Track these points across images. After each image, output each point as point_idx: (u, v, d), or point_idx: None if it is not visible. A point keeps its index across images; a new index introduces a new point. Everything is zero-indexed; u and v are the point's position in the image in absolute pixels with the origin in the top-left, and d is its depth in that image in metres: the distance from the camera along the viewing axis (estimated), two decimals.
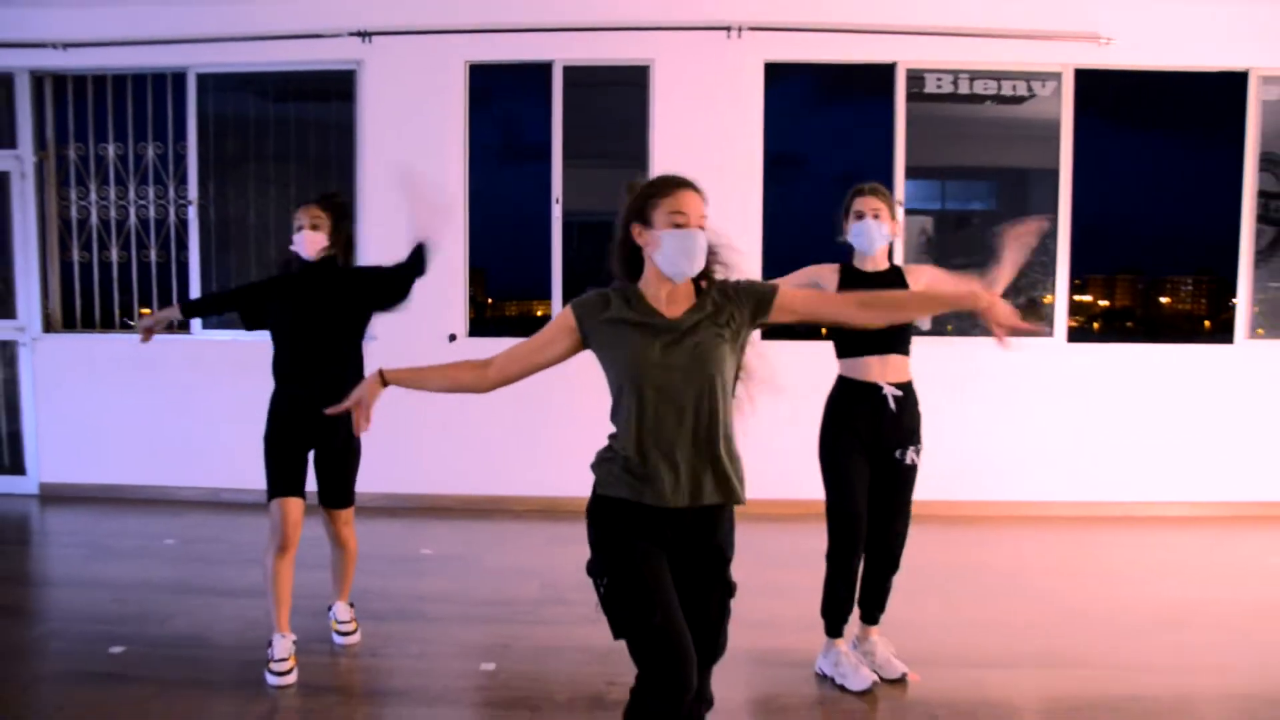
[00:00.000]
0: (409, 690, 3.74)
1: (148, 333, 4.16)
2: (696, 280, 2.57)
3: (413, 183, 4.34)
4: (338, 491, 4.07)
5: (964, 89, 6.53)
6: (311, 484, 4.00)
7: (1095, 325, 7.60)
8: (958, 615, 4.58)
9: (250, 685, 3.72)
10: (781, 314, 2.56)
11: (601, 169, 6.71)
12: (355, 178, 6.56)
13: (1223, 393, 6.52)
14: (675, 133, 6.44)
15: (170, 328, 4.91)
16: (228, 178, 6.79)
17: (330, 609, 4.26)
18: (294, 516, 3.84)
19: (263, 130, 6.77)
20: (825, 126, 7.47)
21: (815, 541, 3.94)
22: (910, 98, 6.53)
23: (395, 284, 4.04)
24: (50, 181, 6.83)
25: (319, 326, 3.92)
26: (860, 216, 3.68)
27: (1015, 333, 2.49)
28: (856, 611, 3.87)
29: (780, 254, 6.35)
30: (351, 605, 4.27)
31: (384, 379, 2.77)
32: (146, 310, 6.79)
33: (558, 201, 6.52)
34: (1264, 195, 6.67)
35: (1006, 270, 3.79)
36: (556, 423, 6.39)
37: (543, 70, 6.54)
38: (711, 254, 2.57)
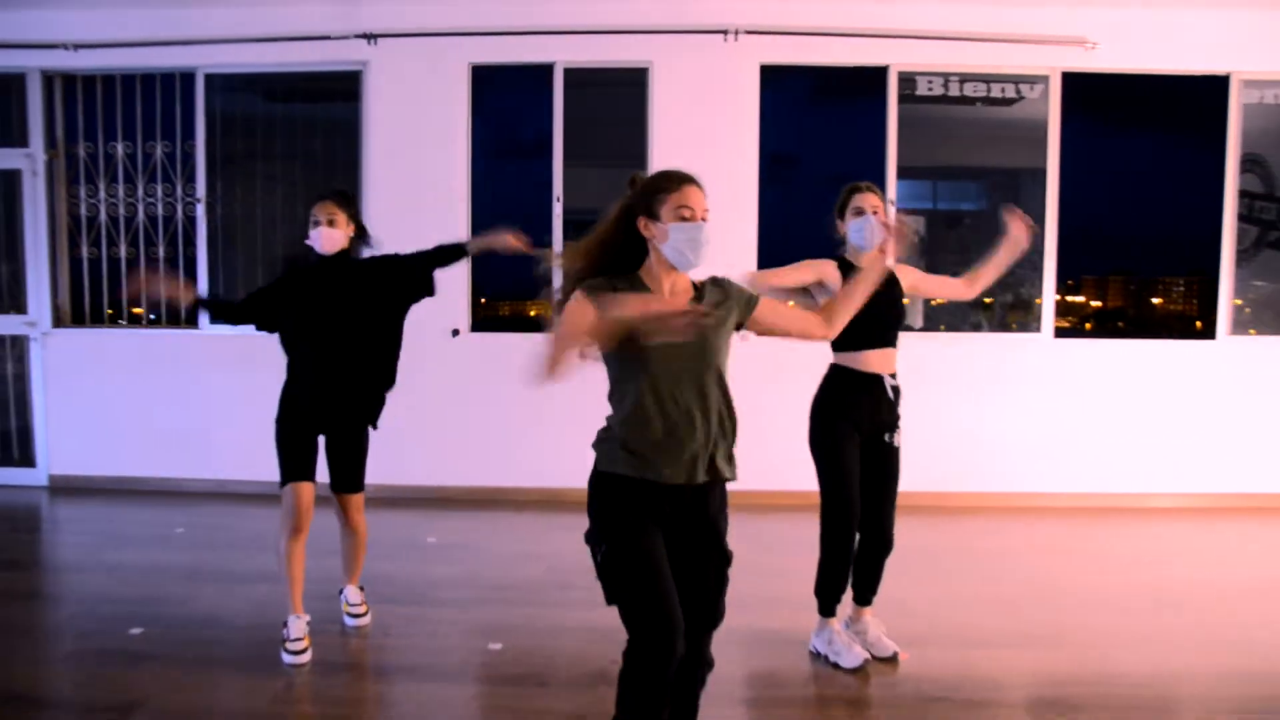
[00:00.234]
0: (420, 667, 3.89)
1: (141, 284, 4.25)
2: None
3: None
4: (349, 477, 4.22)
5: (954, 91, 6.70)
6: (322, 472, 4.16)
7: (1088, 326, 7.76)
8: (946, 598, 4.75)
9: (267, 663, 3.87)
10: (755, 324, 2.77)
11: (600, 168, 6.87)
12: (360, 176, 6.71)
13: (1205, 388, 6.71)
14: (673, 133, 6.61)
15: (171, 311, 4.81)
16: (235, 176, 6.94)
17: (341, 592, 4.41)
18: (306, 500, 3.99)
19: (269, 129, 6.92)
20: (819, 127, 7.64)
21: (804, 529, 4.12)
22: (902, 99, 6.71)
23: (414, 273, 4.15)
24: (60, 179, 6.97)
25: (336, 318, 4.04)
26: (860, 213, 3.84)
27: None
28: (849, 593, 4.03)
29: (775, 251, 6.52)
30: (362, 588, 4.42)
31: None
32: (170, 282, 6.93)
33: (559, 200, 6.68)
34: (1248, 195, 6.85)
35: (996, 267, 3.95)
36: (556, 415, 6.53)
37: (544, 71, 6.70)
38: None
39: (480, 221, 6.78)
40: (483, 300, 7.07)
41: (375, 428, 4.21)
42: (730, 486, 2.76)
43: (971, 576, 5.15)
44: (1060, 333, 6.86)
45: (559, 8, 6.53)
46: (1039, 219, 6.74)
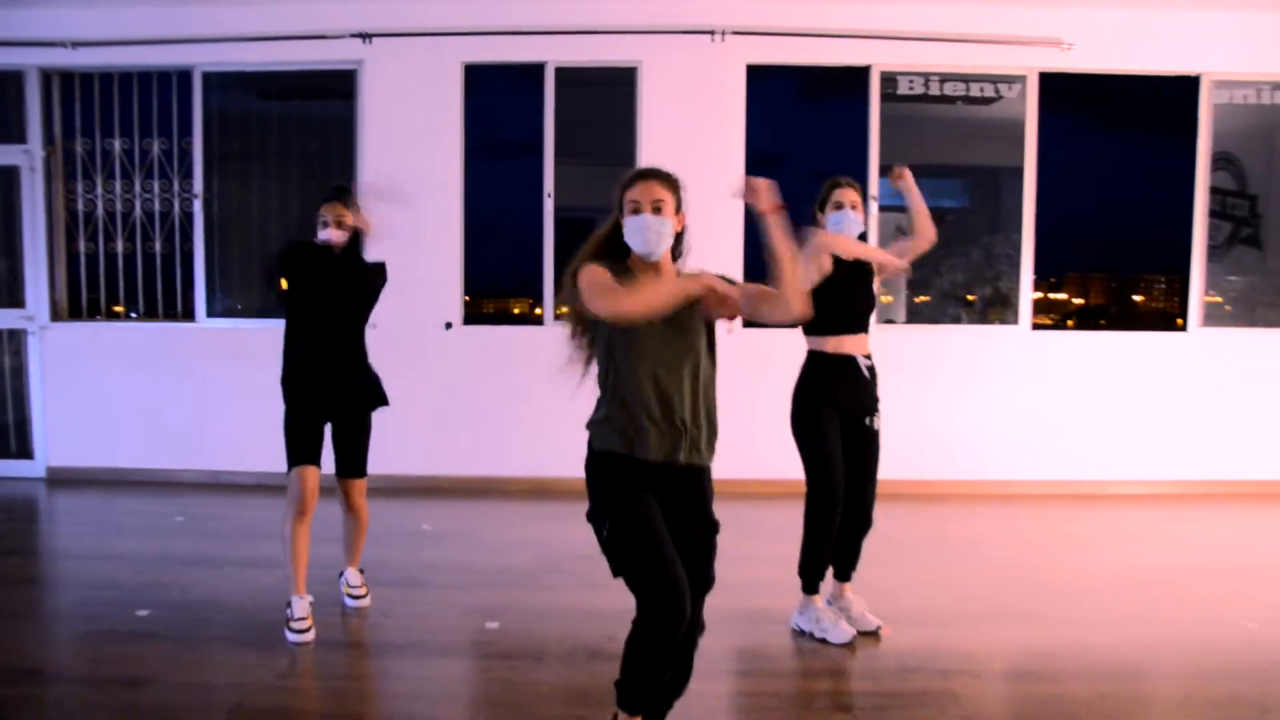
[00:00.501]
0: (420, 645, 4.04)
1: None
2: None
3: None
4: (353, 462, 4.36)
5: (934, 90, 6.88)
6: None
7: (1070, 323, 7.94)
8: (924, 580, 4.93)
9: (271, 642, 4.01)
10: (723, 310, 2.86)
11: (591, 167, 7.03)
12: (356, 173, 6.84)
13: (1177, 378, 6.91)
14: (662, 131, 6.76)
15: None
16: (232, 172, 7.06)
17: (342, 575, 4.55)
18: (311, 483, 4.14)
19: (266, 127, 7.05)
20: (804, 126, 7.81)
21: (785, 516, 4.29)
22: (884, 98, 6.89)
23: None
24: (58, 175, 7.08)
25: (343, 307, 4.23)
26: (839, 207, 4.05)
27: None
28: (830, 571, 4.20)
29: (761, 248, 6.66)
30: (362, 571, 4.56)
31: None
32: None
33: (550, 196, 6.82)
34: (1221, 193, 7.05)
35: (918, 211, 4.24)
36: (546, 406, 6.65)
37: (536, 71, 6.85)
38: (678, 237, 2.91)
39: (473, 218, 6.93)
40: (467, 298, 7.21)
41: (387, 403, 4.37)
42: (715, 475, 2.94)
43: (949, 560, 5.32)
44: (1038, 325, 7.06)
45: (550, 8, 6.69)
46: (1018, 215, 6.94)
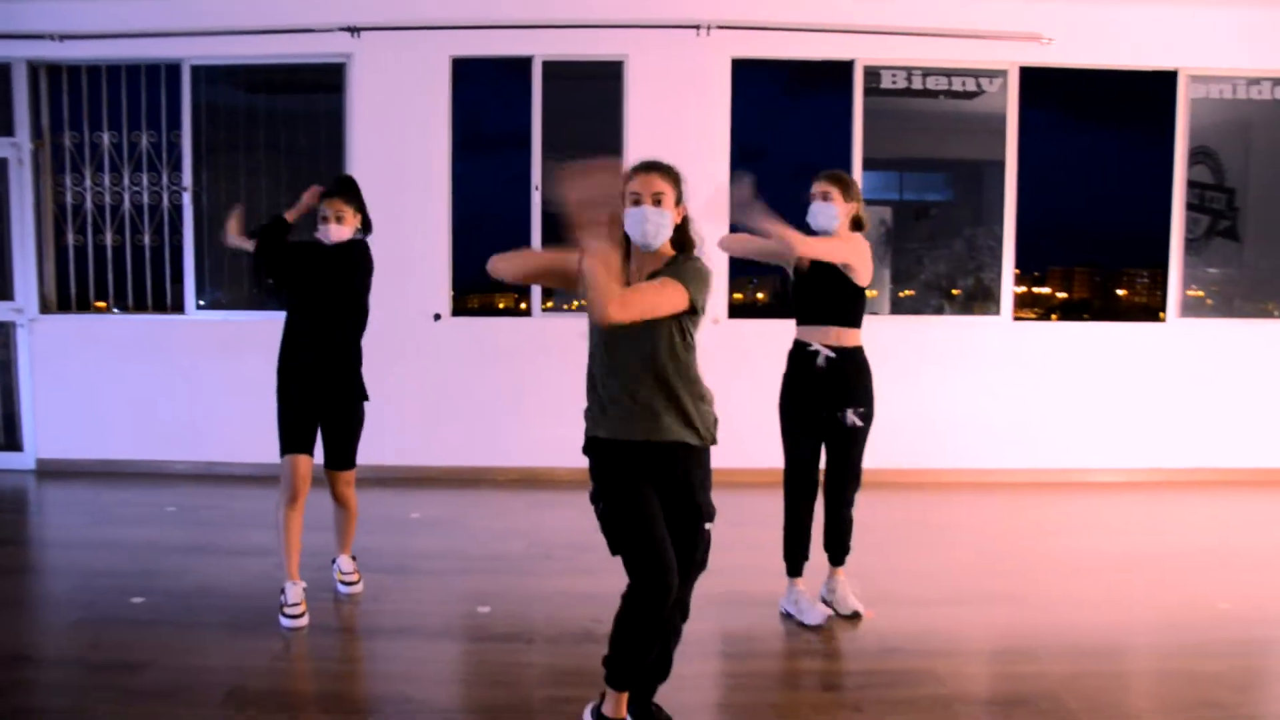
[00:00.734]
0: (412, 628, 4.10)
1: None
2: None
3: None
4: (341, 454, 4.42)
5: (917, 84, 6.97)
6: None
7: (1054, 317, 8.03)
8: (906, 565, 5.03)
9: (265, 627, 4.06)
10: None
11: (577, 161, 7.06)
12: (344, 167, 6.87)
13: (1155, 368, 7.03)
14: (648, 125, 6.83)
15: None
16: (221, 166, 7.09)
17: (334, 562, 4.61)
18: (303, 471, 4.21)
19: (254, 121, 7.09)
20: (788, 121, 7.89)
21: (774, 505, 4.36)
22: (867, 92, 6.97)
23: None
24: (46, 168, 7.09)
25: (336, 299, 4.28)
26: (812, 199, 4.11)
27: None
28: (827, 556, 4.31)
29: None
30: (354, 558, 4.63)
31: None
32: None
33: (537, 189, 6.88)
34: (1199, 186, 7.17)
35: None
36: (536, 396, 6.76)
37: (523, 64, 6.90)
38: (680, 229, 2.97)
39: (461, 211, 6.98)
40: (452, 294, 7.25)
41: (368, 398, 4.42)
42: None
43: (931, 545, 5.43)
44: (1020, 317, 7.17)
45: (538, 2, 6.74)
46: (1000, 209, 7.04)
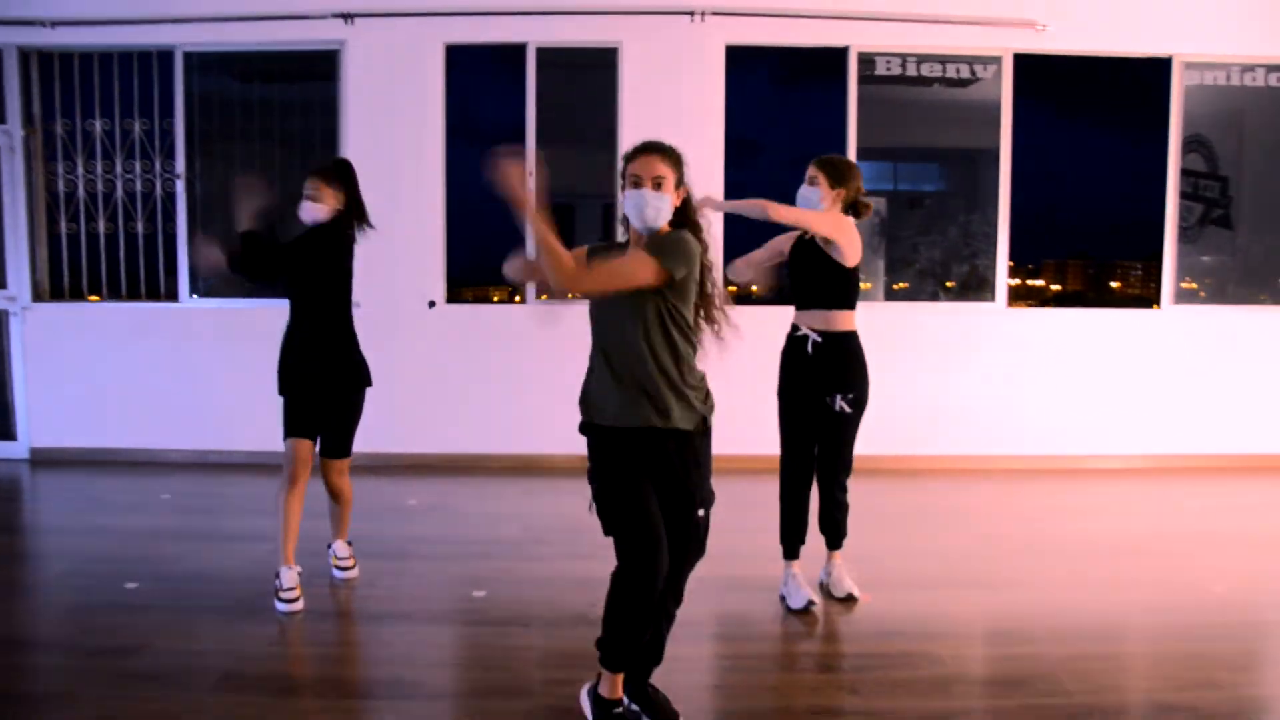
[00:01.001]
0: (408, 613, 4.09)
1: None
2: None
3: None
4: (337, 443, 4.39)
5: (911, 71, 6.96)
6: None
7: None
8: (904, 550, 5.03)
9: (260, 612, 4.05)
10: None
11: (571, 149, 7.08)
12: (338, 154, 6.83)
13: (1150, 355, 7.03)
14: (642, 112, 6.81)
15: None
16: (214, 153, 7.05)
17: (330, 547, 4.59)
18: (304, 454, 4.20)
19: (248, 109, 7.04)
20: (782, 111, 7.88)
21: (772, 490, 4.36)
22: (862, 80, 6.95)
23: None
24: (38, 156, 7.05)
25: (317, 288, 4.25)
26: (803, 183, 4.12)
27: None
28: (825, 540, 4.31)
29: (739, 230, 6.72)
30: (349, 543, 4.61)
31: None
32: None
33: (531, 175, 6.83)
34: (1192, 174, 7.17)
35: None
36: (532, 384, 6.74)
37: (517, 52, 6.87)
38: (682, 210, 2.95)
39: (454, 199, 6.96)
40: (449, 283, 7.23)
41: (371, 384, 4.40)
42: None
43: (927, 531, 5.42)
44: (1018, 294, 7.17)
45: None
46: (992, 197, 7.03)
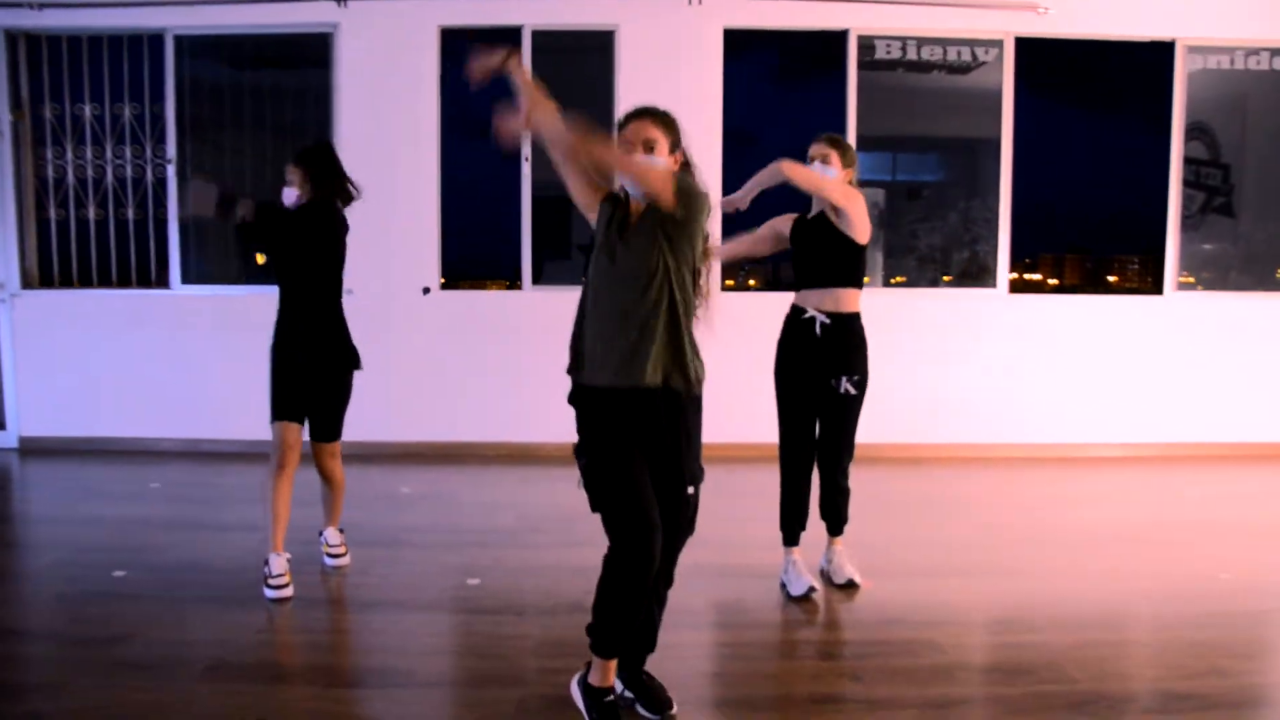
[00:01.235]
0: (400, 601, 4.02)
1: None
2: None
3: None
4: (327, 426, 4.33)
5: (912, 55, 6.87)
6: None
7: None
8: (904, 538, 4.97)
9: (250, 601, 3.97)
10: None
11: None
12: (332, 141, 6.74)
13: (1152, 342, 6.97)
14: (639, 97, 6.54)
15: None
16: (205, 139, 6.97)
17: (321, 534, 4.52)
18: (292, 438, 4.13)
19: (239, 94, 6.98)
20: (781, 99, 7.80)
21: (770, 478, 4.29)
22: (861, 66, 6.87)
23: None
24: (26, 141, 6.97)
25: (311, 264, 4.18)
26: (810, 162, 4.02)
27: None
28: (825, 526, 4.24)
29: (736, 218, 6.65)
30: (342, 531, 4.54)
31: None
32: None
33: (527, 160, 6.78)
34: (1194, 162, 7.10)
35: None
36: (527, 371, 6.67)
37: (513, 35, 6.78)
38: (680, 175, 2.86)
39: (449, 184, 6.87)
40: (443, 280, 7.16)
41: (360, 366, 4.33)
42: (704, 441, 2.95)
43: (929, 519, 5.36)
44: (1015, 288, 7.10)
45: None
46: (992, 187, 6.96)
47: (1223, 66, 6.99)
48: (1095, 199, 7.98)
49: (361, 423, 6.16)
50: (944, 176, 7.55)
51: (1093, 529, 5.15)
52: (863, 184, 6.78)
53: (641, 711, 2.97)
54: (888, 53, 6.86)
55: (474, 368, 6.80)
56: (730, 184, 6.70)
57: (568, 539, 4.79)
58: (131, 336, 6.89)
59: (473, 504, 5.63)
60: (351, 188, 4.29)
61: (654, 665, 3.05)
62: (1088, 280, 8.35)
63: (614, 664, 2.89)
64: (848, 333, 4.03)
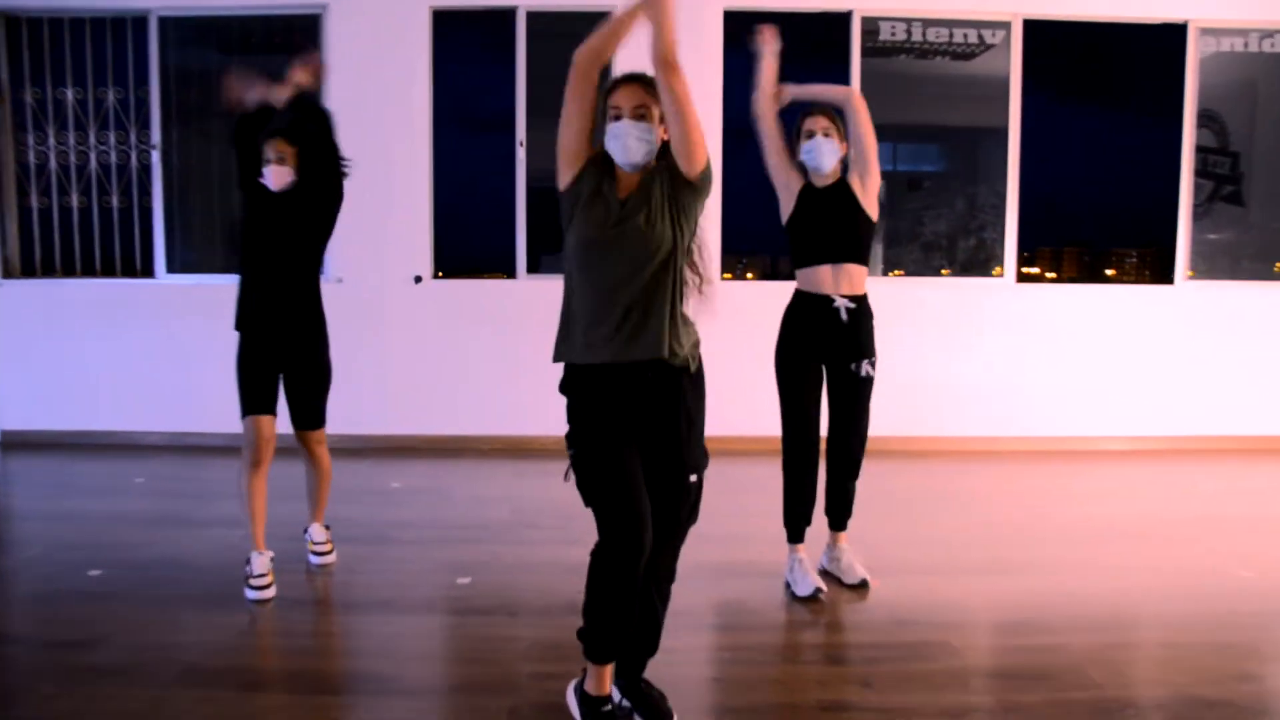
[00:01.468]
0: (388, 601, 3.85)
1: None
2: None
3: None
4: (309, 413, 4.15)
5: (916, 37, 6.69)
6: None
7: None
8: (913, 534, 4.80)
9: (230, 601, 3.80)
10: (683, 158, 2.60)
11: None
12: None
13: (1163, 332, 6.79)
14: None
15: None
16: (191, 124, 6.79)
17: (306, 531, 4.35)
18: (266, 433, 3.94)
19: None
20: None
21: (772, 470, 4.11)
22: (865, 52, 6.68)
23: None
24: (7, 126, 6.78)
25: (291, 247, 4.01)
26: (810, 135, 3.83)
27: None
28: (828, 521, 4.06)
29: (736, 208, 6.52)
30: (327, 527, 4.36)
31: None
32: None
33: (521, 145, 6.60)
34: (1203, 150, 6.92)
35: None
36: (521, 362, 6.48)
37: (507, 18, 6.59)
38: (667, 147, 2.67)
39: (442, 169, 6.69)
40: (440, 274, 6.99)
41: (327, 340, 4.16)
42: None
43: (936, 514, 5.19)
44: (1023, 278, 6.93)
45: None
46: (994, 177, 6.79)
47: (1236, 49, 6.81)
48: (1095, 191, 7.86)
49: (352, 415, 6.03)
50: (944, 167, 7.39)
51: (1103, 524, 4.98)
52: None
53: None
54: (892, 35, 6.67)
55: (468, 359, 6.62)
56: (729, 175, 6.59)
57: (563, 535, 4.61)
58: (115, 327, 6.70)
59: (465, 499, 5.46)
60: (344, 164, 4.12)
61: (653, 671, 2.87)
62: (1085, 274, 8.22)
63: (609, 670, 2.71)
64: (867, 314, 3.87)
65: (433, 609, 3.83)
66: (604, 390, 2.61)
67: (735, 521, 4.64)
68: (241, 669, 3.25)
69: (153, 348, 6.68)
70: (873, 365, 3.87)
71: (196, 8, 6.59)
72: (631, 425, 2.62)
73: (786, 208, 3.90)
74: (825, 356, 3.84)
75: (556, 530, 4.74)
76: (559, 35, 6.69)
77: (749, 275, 7.75)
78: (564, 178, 2.68)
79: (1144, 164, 7.17)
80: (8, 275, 6.79)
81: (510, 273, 6.79)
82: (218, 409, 6.43)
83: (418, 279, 6.58)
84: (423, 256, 6.63)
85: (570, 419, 2.66)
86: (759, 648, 3.45)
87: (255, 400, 3.97)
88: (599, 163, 2.67)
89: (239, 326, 4.03)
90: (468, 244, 7.24)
